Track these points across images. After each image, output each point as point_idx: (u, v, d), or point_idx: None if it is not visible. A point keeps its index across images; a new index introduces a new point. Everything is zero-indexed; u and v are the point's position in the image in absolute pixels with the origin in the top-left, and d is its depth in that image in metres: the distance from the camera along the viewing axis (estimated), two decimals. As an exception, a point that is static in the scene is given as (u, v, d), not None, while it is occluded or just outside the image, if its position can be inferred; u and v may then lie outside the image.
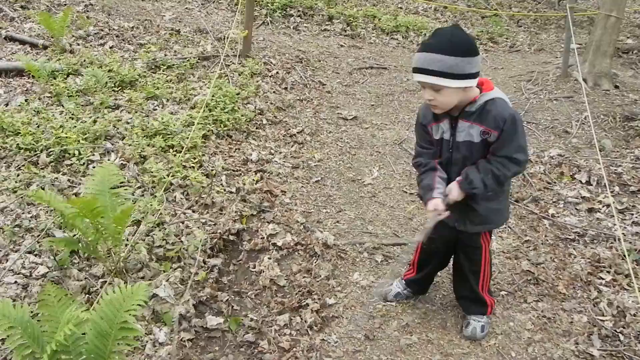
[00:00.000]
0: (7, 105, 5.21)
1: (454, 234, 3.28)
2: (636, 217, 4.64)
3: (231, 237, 4.03)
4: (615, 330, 3.53)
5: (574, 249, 4.31)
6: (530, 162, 5.52)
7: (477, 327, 3.43)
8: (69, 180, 4.31)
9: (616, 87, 7.23)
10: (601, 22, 7.26)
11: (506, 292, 3.85)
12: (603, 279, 3.99)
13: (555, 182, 5.18)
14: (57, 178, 4.28)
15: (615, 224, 4.53)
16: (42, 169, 4.39)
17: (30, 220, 3.87)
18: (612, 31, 7.19)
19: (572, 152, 5.73)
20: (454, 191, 3.02)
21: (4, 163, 4.42)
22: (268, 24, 9.26)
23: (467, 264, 3.37)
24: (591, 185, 5.11)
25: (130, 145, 4.76)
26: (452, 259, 3.56)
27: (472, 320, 3.46)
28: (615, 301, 3.73)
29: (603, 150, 5.67)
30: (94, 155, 4.62)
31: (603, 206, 4.81)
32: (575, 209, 4.80)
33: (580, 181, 5.17)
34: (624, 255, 4.16)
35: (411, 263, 3.66)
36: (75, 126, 4.85)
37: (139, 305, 2.49)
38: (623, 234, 4.41)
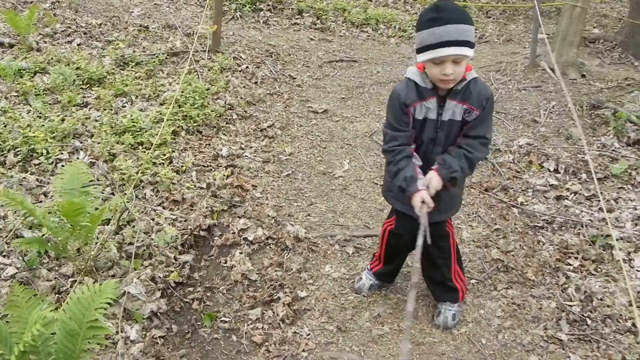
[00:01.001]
0: (-28, 105, 5.14)
1: (418, 224, 3.23)
2: (603, 204, 4.71)
3: (202, 233, 4.03)
4: (583, 315, 3.59)
5: (542, 236, 4.37)
6: (499, 151, 5.58)
7: (449, 316, 3.47)
8: (37, 179, 4.27)
9: (583, 76, 7.32)
10: (567, 13, 7.35)
11: (476, 280, 3.90)
12: (571, 265, 4.05)
13: (524, 171, 5.24)
14: (25, 178, 4.24)
15: (582, 211, 4.60)
16: (9, 169, 4.35)
17: (-3, 221, 3.84)
18: (578, 21, 7.27)
19: (541, 140, 5.79)
20: (434, 180, 2.93)
21: (-30, 164, 4.37)
22: (237, 18, 9.22)
23: (437, 253, 3.34)
24: (559, 173, 5.18)
25: (99, 143, 4.73)
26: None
27: (443, 309, 3.49)
28: (582, 286, 3.79)
29: (570, 139, 5.75)
30: (62, 154, 4.59)
31: (570, 193, 4.88)
32: (544, 196, 4.86)
33: (548, 169, 5.24)
34: (592, 242, 4.24)
35: (377, 256, 3.66)
36: (43, 125, 4.80)
37: (108, 303, 2.49)
38: (590, 220, 4.48)
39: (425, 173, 2.99)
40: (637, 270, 3.95)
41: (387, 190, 3.33)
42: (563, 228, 4.45)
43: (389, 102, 3.03)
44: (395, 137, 3.00)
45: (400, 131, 2.99)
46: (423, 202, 2.88)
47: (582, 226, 4.42)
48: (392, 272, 3.72)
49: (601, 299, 3.68)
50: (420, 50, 2.78)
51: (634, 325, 3.50)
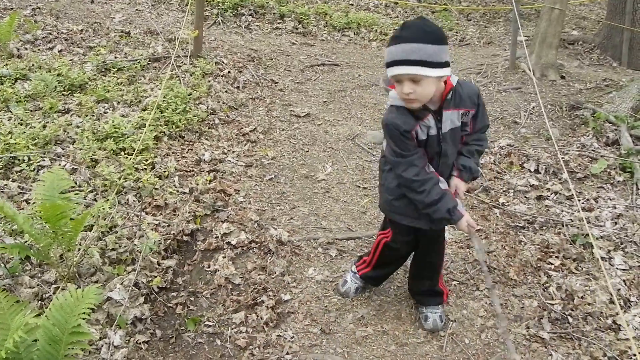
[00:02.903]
0: (-48, 112, 5.11)
1: (414, 235, 3.33)
2: (583, 203, 4.77)
3: (185, 238, 4.03)
4: (564, 313, 3.63)
5: (524, 236, 4.41)
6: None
7: (437, 319, 3.50)
8: (19, 186, 4.26)
9: (562, 77, 7.39)
10: (546, 15, 7.41)
11: (458, 282, 3.93)
12: (552, 264, 4.09)
13: (505, 172, 5.28)
14: (6, 185, 4.23)
15: (562, 210, 4.65)
16: (-10, 176, 4.33)
17: (-21, 229, 3.82)
18: (557, 23, 7.34)
19: (521, 141, 5.84)
20: (460, 187, 3.10)
21: (-49, 171, 4.35)
22: (219, 23, 9.23)
23: (435, 258, 3.46)
24: (539, 173, 5.23)
25: (81, 149, 4.72)
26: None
27: (429, 313, 3.52)
28: (564, 285, 3.84)
29: (550, 139, 5.81)
30: (44, 160, 4.57)
31: (551, 193, 4.92)
32: (525, 197, 4.91)
33: (529, 170, 5.28)
34: (572, 241, 4.29)
35: (366, 260, 3.64)
36: (24, 132, 4.78)
37: (91, 309, 2.49)
38: (570, 219, 4.53)
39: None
40: (617, 269, 4.00)
41: (390, 209, 3.26)
42: (544, 228, 4.50)
43: (388, 134, 2.95)
44: (412, 162, 2.94)
45: (412, 155, 2.94)
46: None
47: (563, 225, 4.47)
48: (381, 278, 3.74)
49: (582, 297, 3.73)
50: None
51: (614, 322, 3.55)
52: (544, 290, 3.86)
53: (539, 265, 4.08)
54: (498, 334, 3.49)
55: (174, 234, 3.99)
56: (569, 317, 3.61)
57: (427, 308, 3.54)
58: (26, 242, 3.61)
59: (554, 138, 5.14)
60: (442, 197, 2.93)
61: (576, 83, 7.20)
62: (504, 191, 5.00)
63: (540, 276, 3.99)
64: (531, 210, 4.69)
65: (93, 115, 5.33)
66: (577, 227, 4.41)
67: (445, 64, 2.70)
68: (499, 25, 10.98)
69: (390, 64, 2.72)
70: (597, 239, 4.31)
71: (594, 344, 3.40)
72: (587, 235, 4.29)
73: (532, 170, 5.28)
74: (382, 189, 3.27)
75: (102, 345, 3.10)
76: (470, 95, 2.94)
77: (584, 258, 4.13)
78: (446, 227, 4.31)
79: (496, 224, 4.55)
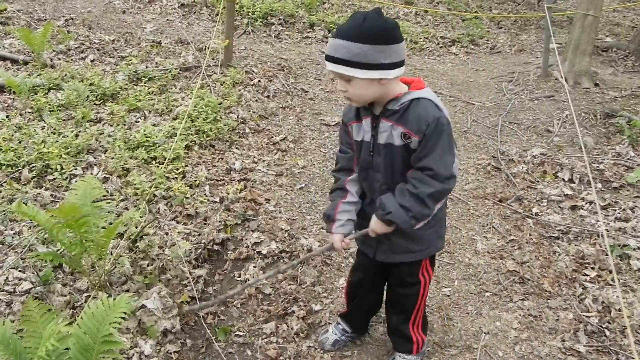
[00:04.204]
0: (-13, 122, 5.19)
1: (377, 264, 2.97)
2: (619, 213, 4.67)
3: (216, 247, 4.03)
4: (601, 326, 3.55)
5: (558, 246, 4.34)
6: (513, 161, 5.55)
7: None
8: (51, 195, 4.29)
9: (596, 85, 7.29)
10: (579, 22, 7.33)
11: (492, 293, 3.87)
12: (587, 275, 4.01)
13: (538, 181, 5.21)
14: (39, 193, 4.27)
15: (598, 221, 4.56)
16: (24, 184, 4.37)
17: (13, 237, 3.85)
18: (590, 30, 7.25)
19: (555, 150, 5.76)
20: (373, 222, 2.70)
21: (-14, 180, 4.40)
22: (249, 33, 9.27)
23: (401, 297, 3.06)
24: (574, 182, 5.15)
25: (112, 158, 4.75)
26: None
27: (397, 357, 3.22)
28: (600, 297, 3.76)
29: (585, 148, 5.71)
30: (76, 169, 4.61)
31: (586, 203, 4.84)
32: (559, 206, 4.82)
33: (563, 179, 5.20)
34: (608, 252, 4.20)
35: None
36: (57, 141, 4.83)
37: (122, 317, 2.49)
38: (606, 230, 4.44)
39: (367, 200, 2.83)
40: (655, 280, 3.91)
41: None
42: (579, 238, 4.41)
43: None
44: (338, 159, 2.86)
45: (343, 152, 2.82)
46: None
47: (598, 236, 4.38)
48: (356, 317, 3.38)
49: (619, 310, 3.64)
50: None
51: (653, 336, 3.47)
52: (580, 302, 3.78)
53: (574, 276, 4.00)
54: (533, 347, 3.42)
55: (204, 243, 3.99)
56: (605, 329, 3.53)
57: (397, 354, 3.23)
58: (58, 250, 3.64)
59: (583, 147, 5.05)
60: (332, 201, 2.84)
61: (610, 90, 7.09)
62: (537, 201, 4.92)
63: (575, 288, 3.91)
64: (565, 220, 4.61)
65: (124, 125, 5.37)
66: (614, 238, 4.32)
67: (385, 66, 2.37)
68: (531, 32, 10.87)
69: (325, 58, 2.48)
70: (634, 249, 4.22)
71: (633, 358, 3.32)
72: (624, 246, 4.20)
73: (566, 179, 5.19)
74: None
75: (133, 355, 3.10)
76: (420, 119, 2.47)
77: (620, 269, 4.04)
78: (478, 239, 4.28)
79: (530, 234, 4.48)
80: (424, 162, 2.51)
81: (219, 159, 5.17)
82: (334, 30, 2.52)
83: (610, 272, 4.01)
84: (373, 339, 3.46)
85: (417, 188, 2.52)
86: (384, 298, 3.25)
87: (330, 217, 2.78)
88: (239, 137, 5.63)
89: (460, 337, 3.50)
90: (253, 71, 7.23)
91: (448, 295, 3.86)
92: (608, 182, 5.13)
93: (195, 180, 4.68)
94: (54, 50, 6.94)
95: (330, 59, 2.41)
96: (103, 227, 3.34)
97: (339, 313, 3.44)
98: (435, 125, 2.45)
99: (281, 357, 3.28)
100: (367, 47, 2.33)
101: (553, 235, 4.47)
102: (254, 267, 3.89)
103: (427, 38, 10.06)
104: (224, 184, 4.79)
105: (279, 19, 9.82)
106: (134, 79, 6.43)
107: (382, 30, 2.35)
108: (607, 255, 4.17)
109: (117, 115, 5.48)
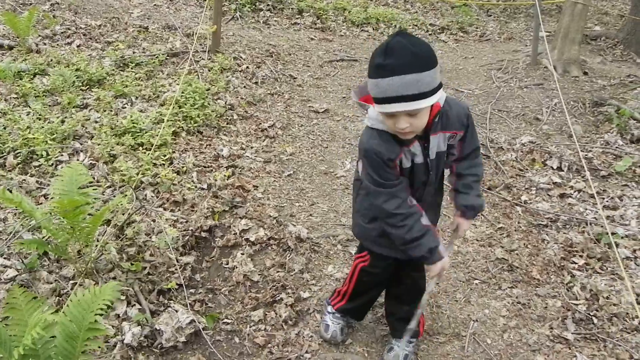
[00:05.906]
0: (-29, 107, 5.11)
1: (394, 262, 2.97)
2: (607, 201, 4.68)
3: (203, 234, 3.99)
4: (589, 314, 3.56)
5: (546, 234, 4.34)
6: (502, 149, 5.55)
7: (400, 355, 3.14)
8: (37, 181, 4.24)
9: (585, 73, 7.29)
10: (568, 10, 7.32)
11: (480, 281, 3.87)
12: (576, 263, 4.02)
13: (527, 169, 5.20)
14: (25, 180, 4.21)
15: (586, 209, 4.57)
16: (9, 171, 4.31)
17: (-3, 224, 3.81)
18: (580, 18, 7.24)
19: (543, 138, 5.76)
20: (464, 226, 2.84)
21: (-30, 166, 4.34)
22: (237, 18, 9.19)
23: (416, 280, 3.08)
24: (562, 171, 5.15)
25: (99, 144, 4.69)
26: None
27: (396, 346, 3.18)
28: (588, 285, 3.76)
29: (574, 136, 5.72)
30: (62, 155, 4.55)
31: (575, 191, 4.84)
32: (548, 194, 4.83)
33: (551, 167, 5.20)
34: (596, 240, 4.21)
35: (341, 292, 3.29)
36: (42, 127, 4.77)
37: (107, 305, 2.46)
38: (594, 217, 4.45)
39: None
40: (643, 268, 3.92)
41: (366, 237, 2.96)
42: (567, 226, 4.42)
43: (368, 160, 2.57)
44: (394, 194, 2.58)
45: (395, 186, 2.59)
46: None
47: (587, 224, 4.39)
48: (359, 309, 3.35)
49: (607, 298, 3.65)
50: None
51: (641, 323, 3.48)
52: (568, 290, 3.78)
53: (562, 264, 4.01)
54: (521, 334, 3.42)
55: (192, 230, 3.96)
56: (593, 317, 3.53)
57: (398, 341, 3.18)
58: (44, 237, 3.59)
59: (574, 135, 5.05)
60: (424, 235, 2.61)
61: (599, 79, 7.10)
62: (526, 189, 4.92)
63: (563, 275, 3.91)
64: (554, 209, 4.61)
65: (111, 111, 5.31)
66: (601, 226, 4.32)
67: (441, 85, 2.35)
68: (520, 20, 10.87)
69: (382, 101, 2.29)
70: (622, 237, 4.22)
71: (620, 345, 3.33)
72: (612, 234, 4.21)
73: (555, 167, 5.20)
74: (357, 215, 2.94)
75: (118, 343, 3.07)
76: (459, 115, 2.57)
77: (608, 257, 4.05)
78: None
79: (518, 222, 4.48)
80: (471, 146, 2.72)
81: (206, 145, 5.13)
82: (375, 70, 2.26)
83: (599, 259, 4.02)
84: (362, 326, 3.44)
85: (477, 175, 2.78)
86: (390, 292, 3.26)
87: (437, 247, 2.66)
88: (227, 124, 5.58)
89: (449, 324, 3.50)
90: (241, 57, 7.17)
91: (437, 283, 3.85)
92: (597, 171, 5.13)
93: (183, 167, 4.64)
94: (39, 35, 6.84)
95: (404, 98, 2.24)
96: (90, 214, 3.30)
97: (335, 308, 3.33)
98: (469, 115, 2.65)
99: (269, 345, 3.26)
100: (432, 73, 2.25)
101: (542, 223, 4.47)
102: (242, 254, 3.86)
103: (416, 25, 10.02)
104: (212, 170, 4.75)
105: (268, 5, 9.75)
106: (121, 65, 6.35)
107: (430, 51, 2.28)
108: (595, 243, 4.18)
109: (103, 101, 5.41)
